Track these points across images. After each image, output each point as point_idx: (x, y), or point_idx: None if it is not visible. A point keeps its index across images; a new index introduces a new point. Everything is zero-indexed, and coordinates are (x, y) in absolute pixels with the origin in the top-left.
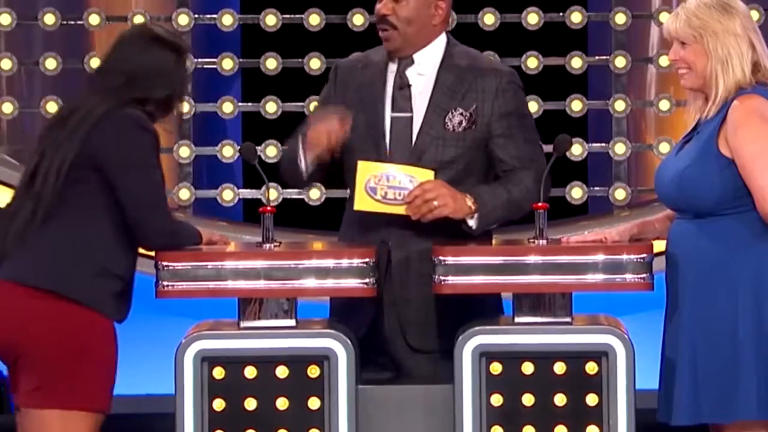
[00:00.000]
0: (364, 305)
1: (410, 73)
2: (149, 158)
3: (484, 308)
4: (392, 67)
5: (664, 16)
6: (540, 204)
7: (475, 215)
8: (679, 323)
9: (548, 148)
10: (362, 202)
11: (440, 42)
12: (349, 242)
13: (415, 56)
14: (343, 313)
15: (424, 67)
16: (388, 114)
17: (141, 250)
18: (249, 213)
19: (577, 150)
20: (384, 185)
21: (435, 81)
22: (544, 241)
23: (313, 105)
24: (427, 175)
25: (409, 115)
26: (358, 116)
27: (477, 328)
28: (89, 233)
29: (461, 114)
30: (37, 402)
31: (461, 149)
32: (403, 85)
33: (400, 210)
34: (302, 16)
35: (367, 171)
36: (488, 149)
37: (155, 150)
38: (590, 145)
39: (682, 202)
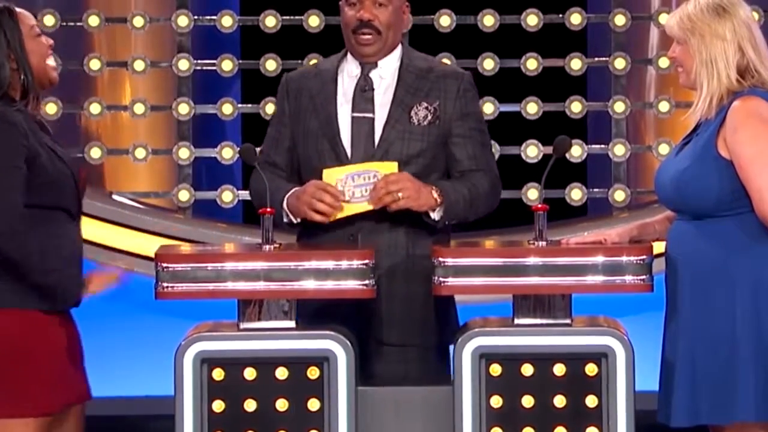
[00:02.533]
0: (334, 306)
1: (373, 76)
2: (2, 153)
3: (443, 304)
4: (350, 71)
5: (663, 18)
6: (540, 205)
7: (439, 208)
8: (677, 325)
9: (548, 149)
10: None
11: (399, 45)
12: (310, 240)
13: (380, 61)
14: (316, 315)
15: (385, 71)
16: (347, 114)
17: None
18: (248, 214)
19: (577, 151)
20: (350, 186)
21: (397, 80)
22: (544, 243)
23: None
24: (391, 167)
25: (371, 116)
26: (311, 121)
27: (477, 329)
28: None
29: (426, 108)
30: None
31: (426, 143)
32: (366, 88)
33: (369, 206)
34: (302, 17)
35: (331, 177)
36: (446, 148)
37: (14, 144)
38: (590, 146)
39: (680, 203)
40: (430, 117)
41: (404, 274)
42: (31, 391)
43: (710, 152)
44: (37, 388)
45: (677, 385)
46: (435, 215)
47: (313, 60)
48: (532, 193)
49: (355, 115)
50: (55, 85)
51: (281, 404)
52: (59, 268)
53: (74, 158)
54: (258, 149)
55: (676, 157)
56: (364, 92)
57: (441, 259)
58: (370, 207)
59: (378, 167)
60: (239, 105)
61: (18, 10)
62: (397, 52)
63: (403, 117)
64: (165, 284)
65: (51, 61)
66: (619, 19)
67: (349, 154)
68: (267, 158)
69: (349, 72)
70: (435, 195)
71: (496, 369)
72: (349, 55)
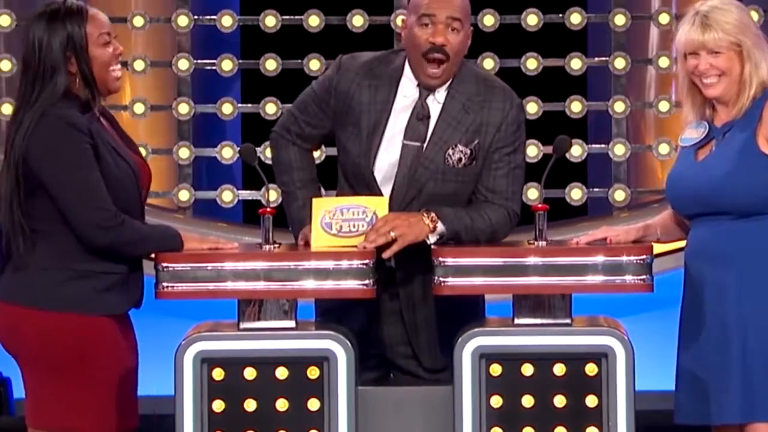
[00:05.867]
0: (356, 313)
1: (431, 102)
2: (71, 155)
3: (477, 313)
4: (407, 90)
5: (663, 18)
6: (540, 205)
7: (435, 232)
8: (723, 323)
9: (548, 149)
10: (319, 239)
11: None
12: None
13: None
14: (336, 318)
15: (441, 95)
16: (398, 140)
17: None
18: (248, 214)
19: (577, 151)
20: (338, 219)
21: (441, 109)
22: (544, 243)
23: None
24: (380, 203)
25: (418, 144)
26: (353, 143)
27: (477, 329)
28: (53, 239)
29: (461, 152)
30: (28, 420)
31: (460, 184)
32: (423, 116)
33: (356, 242)
34: (302, 17)
35: (320, 207)
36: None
37: (80, 145)
38: (590, 146)
39: (722, 204)
40: (465, 160)
41: (436, 298)
42: (97, 407)
43: (752, 151)
44: (104, 404)
45: (725, 384)
46: (430, 239)
47: (313, 60)
48: (532, 193)
49: (406, 142)
50: (116, 93)
51: (281, 404)
52: (121, 271)
53: (138, 159)
54: (257, 149)
55: (699, 161)
56: (420, 120)
57: (441, 259)
58: (355, 243)
59: (367, 203)
60: (239, 105)
61: (92, 13)
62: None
63: (438, 156)
64: (165, 284)
65: (115, 71)
66: (619, 19)
67: (394, 181)
68: (299, 130)
69: (405, 90)
70: (427, 221)
71: (496, 369)
72: (407, 70)
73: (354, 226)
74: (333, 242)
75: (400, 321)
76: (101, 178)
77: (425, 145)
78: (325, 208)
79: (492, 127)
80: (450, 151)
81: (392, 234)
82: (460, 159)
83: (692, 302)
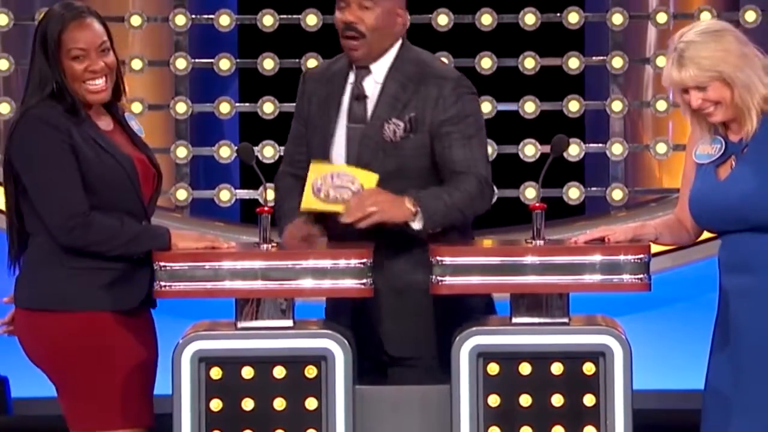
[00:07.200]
0: (353, 313)
1: (367, 83)
2: (43, 153)
3: (471, 311)
4: (351, 78)
5: (661, 17)
6: (537, 204)
7: (417, 217)
8: (760, 334)
9: (545, 148)
10: (307, 201)
11: (394, 48)
12: None
13: (372, 66)
14: (334, 315)
15: (379, 76)
16: (344, 124)
17: None
18: (246, 213)
19: (574, 150)
20: (328, 184)
21: (381, 90)
22: (542, 242)
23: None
24: (370, 177)
25: (362, 126)
26: (315, 137)
27: (474, 328)
28: (42, 239)
29: (395, 124)
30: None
31: (402, 158)
32: (359, 96)
33: (339, 209)
34: (299, 16)
35: (316, 171)
36: (432, 157)
37: (54, 143)
38: (587, 145)
39: (754, 220)
40: (400, 132)
41: (426, 309)
42: (123, 400)
43: None
44: (128, 395)
45: (762, 395)
46: (415, 225)
47: (311, 59)
48: (529, 192)
49: (351, 125)
50: (97, 104)
51: (279, 403)
52: (120, 267)
53: (138, 157)
54: (255, 148)
55: (722, 180)
56: (357, 101)
57: (439, 258)
58: (341, 210)
59: (358, 174)
60: (237, 104)
61: (74, 24)
62: (391, 55)
63: (377, 133)
64: (162, 283)
65: (89, 85)
66: (617, 18)
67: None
68: (291, 157)
69: (349, 78)
70: (409, 205)
71: (493, 368)
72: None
73: (340, 195)
74: (317, 206)
75: (397, 320)
76: (75, 178)
77: (367, 123)
78: (321, 172)
79: (430, 101)
80: (386, 125)
81: (371, 209)
82: (395, 131)
83: (726, 318)
